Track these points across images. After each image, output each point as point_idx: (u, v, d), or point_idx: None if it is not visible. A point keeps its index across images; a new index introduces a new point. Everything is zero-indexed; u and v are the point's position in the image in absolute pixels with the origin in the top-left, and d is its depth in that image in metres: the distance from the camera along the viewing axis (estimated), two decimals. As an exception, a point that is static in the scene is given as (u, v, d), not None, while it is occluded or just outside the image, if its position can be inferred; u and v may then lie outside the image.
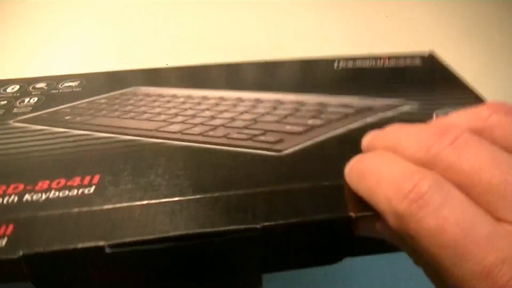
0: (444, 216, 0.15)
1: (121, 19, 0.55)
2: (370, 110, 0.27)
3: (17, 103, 0.33)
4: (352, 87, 0.30)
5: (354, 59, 0.35)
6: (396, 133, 0.19)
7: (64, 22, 0.55)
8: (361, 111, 0.26)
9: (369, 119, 0.25)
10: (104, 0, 0.58)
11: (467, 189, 0.16)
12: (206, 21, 0.54)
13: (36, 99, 0.34)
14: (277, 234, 0.18)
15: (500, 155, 0.16)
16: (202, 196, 0.20)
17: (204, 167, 0.22)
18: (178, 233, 0.18)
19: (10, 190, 0.22)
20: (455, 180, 0.16)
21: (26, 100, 0.34)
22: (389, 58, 0.35)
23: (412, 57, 0.35)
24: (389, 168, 0.17)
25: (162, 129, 0.26)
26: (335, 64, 0.34)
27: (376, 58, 0.35)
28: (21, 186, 0.22)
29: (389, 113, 0.26)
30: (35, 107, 0.32)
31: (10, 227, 0.19)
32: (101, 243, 0.17)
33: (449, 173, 0.16)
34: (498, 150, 0.16)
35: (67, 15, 0.56)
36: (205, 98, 0.31)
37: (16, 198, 0.21)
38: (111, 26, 0.54)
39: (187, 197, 0.20)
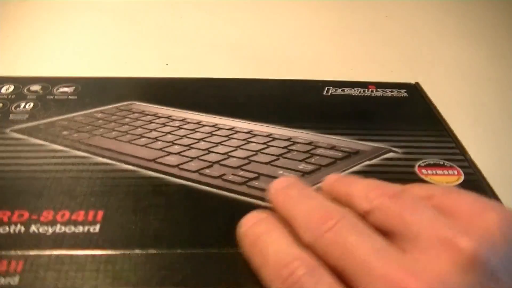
0: None
1: (121, 19, 0.55)
2: (356, 155, 0.29)
3: (13, 108, 0.34)
4: (339, 123, 0.33)
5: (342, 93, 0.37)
6: (292, 207, 0.21)
7: (62, 19, 0.55)
8: (348, 156, 0.28)
9: (355, 167, 0.28)
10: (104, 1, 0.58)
11: (340, 269, 0.18)
12: (206, 22, 0.55)
13: (31, 104, 0.34)
14: None
15: (373, 241, 0.18)
16: (200, 251, 0.22)
17: (202, 214, 0.24)
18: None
19: (15, 218, 0.23)
20: (332, 262, 0.18)
21: (22, 105, 0.34)
22: (376, 89, 0.37)
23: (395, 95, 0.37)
24: (274, 249, 0.19)
25: (159, 160, 0.28)
26: (324, 91, 0.36)
27: (363, 86, 0.37)
28: (26, 214, 0.23)
29: (373, 159, 0.29)
30: (32, 115, 0.33)
31: (20, 264, 0.20)
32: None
33: (327, 255, 0.18)
34: (372, 235, 0.18)
35: (65, 13, 0.56)
36: (200, 124, 0.32)
37: (23, 229, 0.23)
38: (110, 24, 0.54)
39: (186, 251, 0.21)
